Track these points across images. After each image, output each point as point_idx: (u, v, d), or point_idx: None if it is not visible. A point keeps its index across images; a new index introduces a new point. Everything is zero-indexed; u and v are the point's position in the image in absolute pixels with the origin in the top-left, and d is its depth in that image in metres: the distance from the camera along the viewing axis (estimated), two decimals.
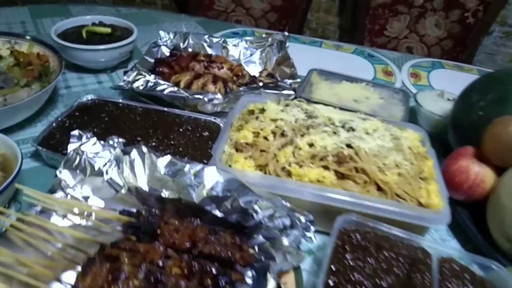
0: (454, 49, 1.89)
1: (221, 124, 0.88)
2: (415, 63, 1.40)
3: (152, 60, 1.11)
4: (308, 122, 0.74)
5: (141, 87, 0.92)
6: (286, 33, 1.15)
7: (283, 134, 0.72)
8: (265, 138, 0.72)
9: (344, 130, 0.74)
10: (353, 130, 0.75)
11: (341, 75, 1.08)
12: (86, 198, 0.65)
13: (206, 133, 0.86)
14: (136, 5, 2.26)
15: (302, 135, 0.71)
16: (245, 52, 1.17)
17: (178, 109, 0.93)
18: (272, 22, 2.00)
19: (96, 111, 0.89)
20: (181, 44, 1.18)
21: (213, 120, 0.89)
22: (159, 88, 0.91)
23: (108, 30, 1.11)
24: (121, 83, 0.92)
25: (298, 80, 1.05)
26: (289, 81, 0.97)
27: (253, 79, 1.08)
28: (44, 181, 0.67)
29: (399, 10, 1.86)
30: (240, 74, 1.09)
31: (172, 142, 0.82)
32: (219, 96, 0.92)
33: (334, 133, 0.73)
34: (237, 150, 0.72)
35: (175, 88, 0.92)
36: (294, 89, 0.96)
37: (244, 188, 0.60)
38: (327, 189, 0.64)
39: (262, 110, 0.78)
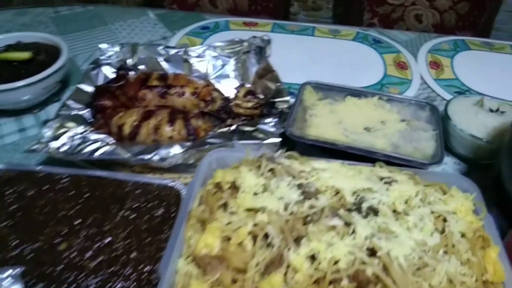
0: (471, 12, 1.58)
1: (182, 191, 0.62)
2: (433, 46, 1.11)
3: (91, 89, 0.83)
4: (305, 209, 0.48)
5: (62, 149, 0.64)
6: (266, 37, 0.86)
7: (267, 239, 0.45)
8: (240, 244, 0.46)
9: (361, 216, 0.48)
10: (375, 213, 0.48)
11: (344, 88, 0.80)
12: None
13: (160, 211, 0.60)
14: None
15: (297, 240, 0.45)
16: (214, 64, 0.88)
17: (122, 171, 0.67)
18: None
19: (4, 188, 0.62)
20: (130, 59, 0.89)
21: (170, 185, 0.63)
22: (87, 149, 0.64)
23: (26, 55, 0.82)
24: (35, 146, 0.65)
25: (287, 99, 0.78)
26: (270, 120, 0.69)
27: (227, 103, 0.81)
28: None
29: None
30: (209, 98, 0.81)
31: (107, 240, 0.56)
32: (175, 149, 0.65)
33: (347, 224, 0.46)
34: (198, 265, 0.46)
35: (110, 145, 0.65)
36: (282, 125, 0.69)
37: None
38: None
39: (234, 187, 0.52)
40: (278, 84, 0.82)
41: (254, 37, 0.87)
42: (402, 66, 1.02)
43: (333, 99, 0.78)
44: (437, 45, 1.12)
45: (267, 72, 0.84)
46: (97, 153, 0.64)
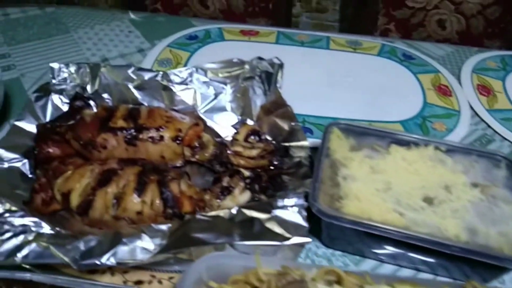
0: (503, 18, 1.37)
1: None
2: (477, 64, 0.89)
3: (33, 129, 0.59)
4: None
5: None
6: (277, 60, 0.63)
7: None
8: None
9: None
10: None
11: (385, 132, 0.58)
12: None
13: None
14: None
15: None
16: (204, 93, 0.65)
17: (65, 272, 0.44)
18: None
19: None
20: (89, 85, 0.65)
21: None
22: (6, 246, 0.41)
23: None
24: None
25: (305, 144, 0.56)
26: (293, 199, 0.44)
27: (222, 150, 0.58)
28: None
29: None
30: (197, 144, 0.58)
31: None
32: (144, 243, 0.42)
33: None
34: None
35: (41, 240, 0.41)
36: (305, 196, 0.46)
37: None
38: None
39: None
40: (293, 123, 0.59)
41: (260, 58, 0.64)
42: (444, 91, 0.80)
43: (371, 149, 0.55)
44: (481, 63, 0.90)
45: (277, 107, 0.61)
46: (19, 255, 0.40)
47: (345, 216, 0.45)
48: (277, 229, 0.39)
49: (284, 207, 0.41)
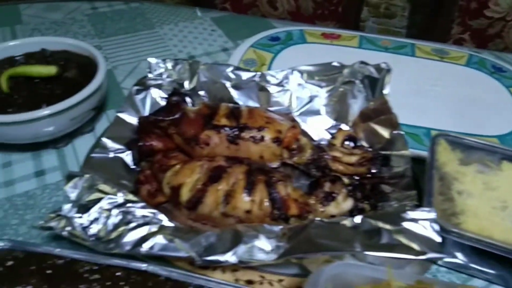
0: None
1: None
2: None
3: (134, 121, 0.61)
4: None
5: (91, 231, 0.42)
6: (385, 65, 0.61)
7: None
8: None
9: None
10: None
11: (493, 147, 0.55)
12: None
13: None
14: None
15: None
16: (299, 95, 0.65)
17: (177, 264, 0.44)
18: (320, 1, 1.43)
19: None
20: (187, 82, 0.66)
21: None
22: (129, 237, 0.42)
23: (52, 70, 0.60)
24: (52, 222, 0.43)
25: (407, 154, 0.54)
26: (424, 213, 0.42)
27: (320, 155, 0.57)
28: None
29: None
30: (295, 146, 0.58)
31: None
32: (261, 243, 0.42)
33: None
34: None
35: (164, 232, 0.42)
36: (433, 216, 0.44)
37: None
38: None
39: None
40: (395, 132, 0.57)
41: (363, 63, 0.62)
42: None
43: (482, 164, 0.53)
44: None
45: (378, 114, 0.60)
46: (145, 246, 0.41)
47: (467, 233, 0.43)
48: (409, 243, 0.38)
49: (413, 220, 0.40)
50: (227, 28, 0.95)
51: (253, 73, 0.64)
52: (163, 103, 0.65)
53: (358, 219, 0.41)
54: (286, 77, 0.65)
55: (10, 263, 0.43)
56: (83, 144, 0.63)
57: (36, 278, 0.42)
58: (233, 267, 0.45)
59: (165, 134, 0.59)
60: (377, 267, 0.37)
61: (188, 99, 0.66)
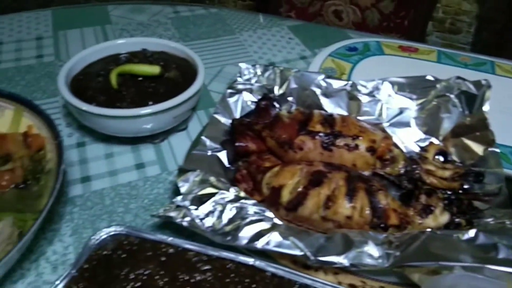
0: None
1: None
2: None
3: (228, 121, 0.64)
4: None
5: (208, 223, 0.45)
6: (485, 81, 0.61)
7: None
8: None
9: None
10: None
11: None
12: None
13: None
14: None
15: None
16: (390, 106, 0.65)
17: (280, 261, 0.46)
18: (387, 14, 1.43)
19: (120, 267, 0.44)
20: (277, 87, 0.69)
21: None
22: (246, 231, 0.44)
23: (156, 70, 0.64)
24: (172, 212, 0.46)
25: (499, 171, 0.54)
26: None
27: (414, 167, 0.58)
28: None
29: None
30: (388, 157, 0.58)
31: None
32: (369, 248, 0.43)
33: None
34: None
35: (279, 229, 0.44)
36: None
37: None
38: None
39: None
40: (491, 149, 0.57)
41: (459, 78, 0.63)
42: None
43: None
44: None
45: (473, 130, 0.59)
46: (261, 240, 0.43)
47: None
48: None
49: None
50: (303, 36, 0.97)
51: (344, 82, 0.66)
52: (252, 106, 0.68)
53: (472, 232, 0.41)
54: (376, 88, 0.66)
55: (128, 247, 0.46)
56: (177, 142, 0.66)
57: (153, 263, 0.45)
58: (334, 270, 0.47)
59: (258, 136, 0.62)
60: (494, 281, 0.37)
61: (276, 104, 0.68)
